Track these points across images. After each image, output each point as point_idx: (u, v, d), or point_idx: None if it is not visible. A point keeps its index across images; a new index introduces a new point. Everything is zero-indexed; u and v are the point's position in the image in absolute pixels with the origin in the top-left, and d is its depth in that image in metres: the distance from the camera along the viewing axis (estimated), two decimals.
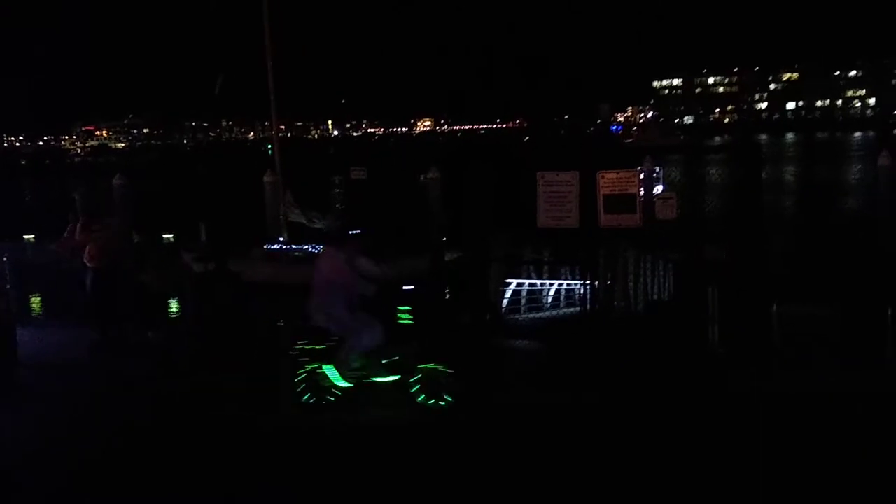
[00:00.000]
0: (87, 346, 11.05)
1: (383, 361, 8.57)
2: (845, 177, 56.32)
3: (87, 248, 11.08)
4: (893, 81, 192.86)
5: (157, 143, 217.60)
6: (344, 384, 8.56)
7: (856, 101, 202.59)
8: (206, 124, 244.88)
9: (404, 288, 9.21)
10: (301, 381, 8.59)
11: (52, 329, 12.26)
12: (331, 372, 8.52)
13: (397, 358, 8.56)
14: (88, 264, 11.12)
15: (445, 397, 8.43)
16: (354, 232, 9.23)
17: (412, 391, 8.51)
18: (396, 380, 8.60)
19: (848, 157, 78.42)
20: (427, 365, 8.48)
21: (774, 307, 10.09)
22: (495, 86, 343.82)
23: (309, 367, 8.59)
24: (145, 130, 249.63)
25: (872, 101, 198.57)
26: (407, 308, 8.81)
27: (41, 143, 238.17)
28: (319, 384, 8.59)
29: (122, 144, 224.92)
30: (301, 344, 8.65)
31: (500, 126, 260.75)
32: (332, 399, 8.62)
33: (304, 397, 8.57)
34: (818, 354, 9.54)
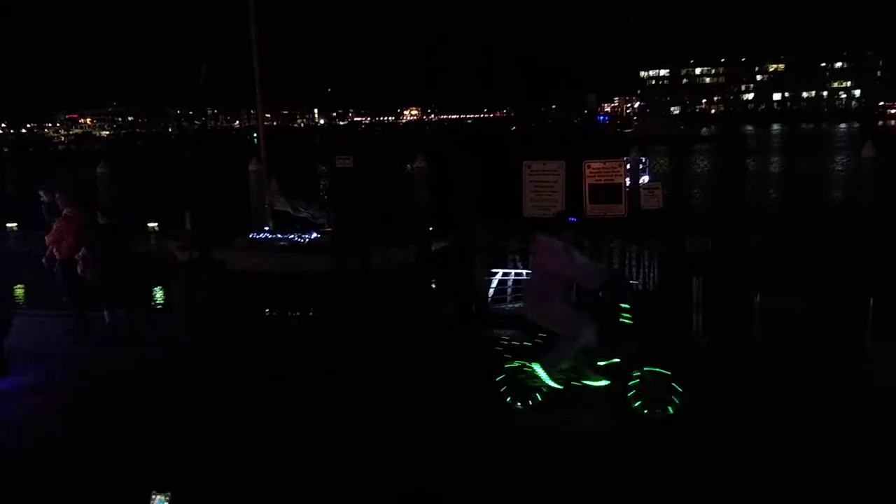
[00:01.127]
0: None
1: (599, 363, 7.86)
2: (830, 168, 56.66)
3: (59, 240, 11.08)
4: (878, 73, 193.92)
5: (141, 132, 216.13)
6: (553, 385, 7.86)
7: (841, 92, 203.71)
8: (190, 112, 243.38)
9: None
10: (503, 380, 7.99)
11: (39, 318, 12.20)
12: (540, 371, 7.85)
13: (617, 361, 7.83)
14: (57, 256, 11.14)
15: (668, 405, 7.67)
16: (572, 219, 8.24)
17: (628, 396, 7.76)
18: (609, 384, 7.85)
19: (833, 148, 78.82)
20: (647, 369, 7.74)
21: (757, 297, 10.16)
22: (482, 75, 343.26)
23: (513, 365, 7.97)
24: (130, 119, 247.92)
25: (857, 92, 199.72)
26: (627, 306, 7.91)
27: (24, 130, 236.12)
28: (524, 384, 7.93)
29: (107, 133, 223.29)
30: (505, 339, 8.07)
31: (487, 115, 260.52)
32: (537, 401, 7.94)
33: (508, 398, 7.96)
34: (799, 345, 9.60)
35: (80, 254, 10.92)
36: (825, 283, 10.17)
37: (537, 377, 7.84)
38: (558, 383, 7.82)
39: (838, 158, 63.11)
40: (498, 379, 7.94)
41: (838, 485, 6.40)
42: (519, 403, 7.92)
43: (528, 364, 7.87)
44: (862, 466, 6.67)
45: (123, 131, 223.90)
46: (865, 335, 9.59)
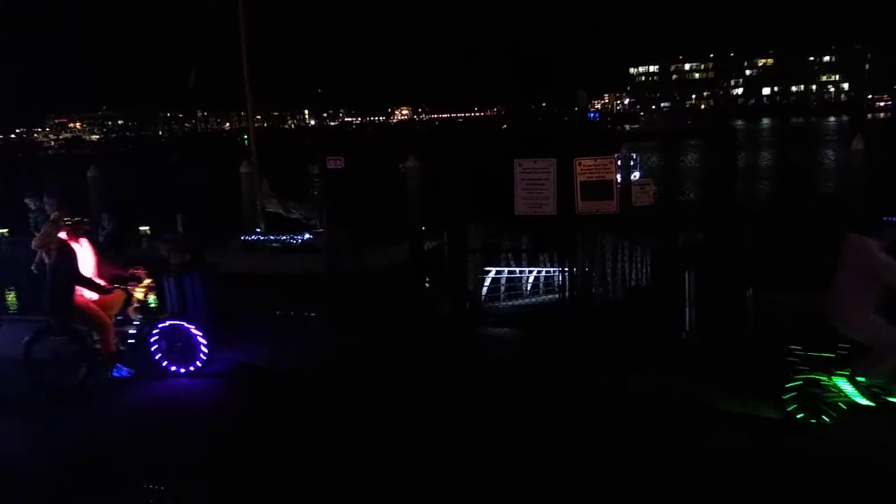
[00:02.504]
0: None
1: None
2: (820, 161, 56.92)
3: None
4: (866, 66, 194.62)
5: (131, 135, 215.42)
6: (862, 401, 7.01)
7: (830, 86, 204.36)
8: (180, 115, 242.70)
9: None
10: (793, 395, 7.26)
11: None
12: (845, 385, 7.06)
13: None
14: (47, 261, 11.09)
15: None
16: (892, 219, 7.32)
17: None
18: None
19: (823, 141, 79.13)
20: None
21: (749, 292, 10.19)
22: (472, 74, 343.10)
23: (806, 377, 7.23)
24: (119, 122, 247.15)
25: (846, 86, 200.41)
26: None
27: (13, 135, 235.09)
28: (820, 398, 7.19)
29: (97, 136, 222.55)
30: (798, 349, 7.34)
31: (478, 114, 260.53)
32: (834, 417, 7.15)
33: (799, 415, 7.25)
34: (790, 338, 9.61)
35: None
36: (817, 276, 10.21)
37: (840, 392, 7.11)
38: (868, 399, 7.00)
39: (828, 151, 63.39)
40: (786, 396, 7.26)
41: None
42: (812, 419, 7.21)
43: (825, 377, 7.17)
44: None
45: (113, 135, 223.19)
46: None
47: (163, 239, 19.38)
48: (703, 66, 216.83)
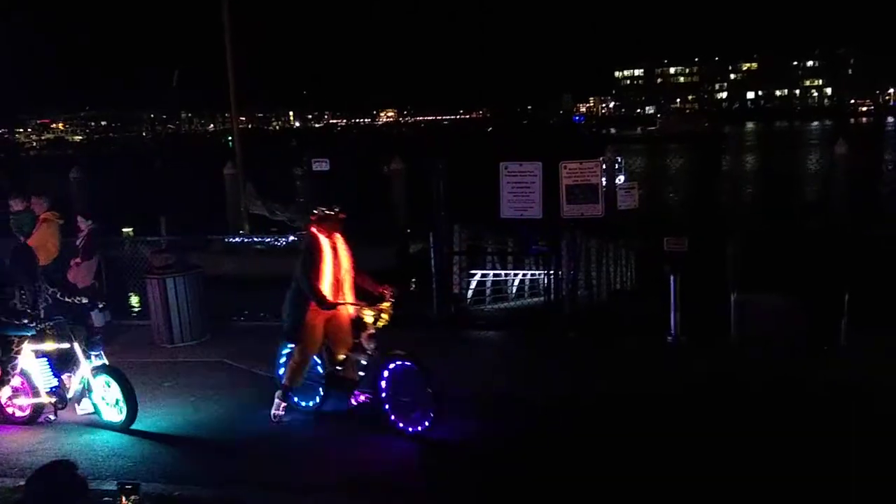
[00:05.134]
0: None
1: None
2: (805, 165, 57.27)
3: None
4: (849, 71, 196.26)
5: (114, 136, 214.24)
6: None
7: (813, 90, 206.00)
8: (164, 116, 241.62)
9: None
10: None
11: None
12: None
13: None
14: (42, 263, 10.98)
15: None
16: None
17: None
18: None
19: (807, 145, 79.67)
20: None
21: (733, 295, 10.23)
22: (458, 76, 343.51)
23: None
24: (103, 123, 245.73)
25: (829, 90, 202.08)
26: None
27: None
28: None
29: (80, 137, 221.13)
30: None
31: (463, 116, 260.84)
32: None
33: None
34: (775, 341, 9.68)
35: (75, 261, 11.05)
36: (801, 279, 10.28)
37: None
38: None
39: (812, 156, 63.83)
40: None
41: (803, 476, 6.43)
42: None
43: None
44: (829, 459, 6.72)
45: (96, 136, 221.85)
46: (840, 330, 9.70)
47: (146, 241, 19.27)
48: (687, 70, 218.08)
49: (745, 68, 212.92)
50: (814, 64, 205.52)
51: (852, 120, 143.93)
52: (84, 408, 8.18)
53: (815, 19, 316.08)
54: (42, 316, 8.09)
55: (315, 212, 7.67)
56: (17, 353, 8.07)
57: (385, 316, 7.45)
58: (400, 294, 7.67)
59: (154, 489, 6.52)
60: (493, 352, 10.68)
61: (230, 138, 28.70)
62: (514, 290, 16.28)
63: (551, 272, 11.49)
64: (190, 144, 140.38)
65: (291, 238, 19.40)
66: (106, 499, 4.08)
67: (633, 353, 10.08)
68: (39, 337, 8.06)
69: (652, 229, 15.80)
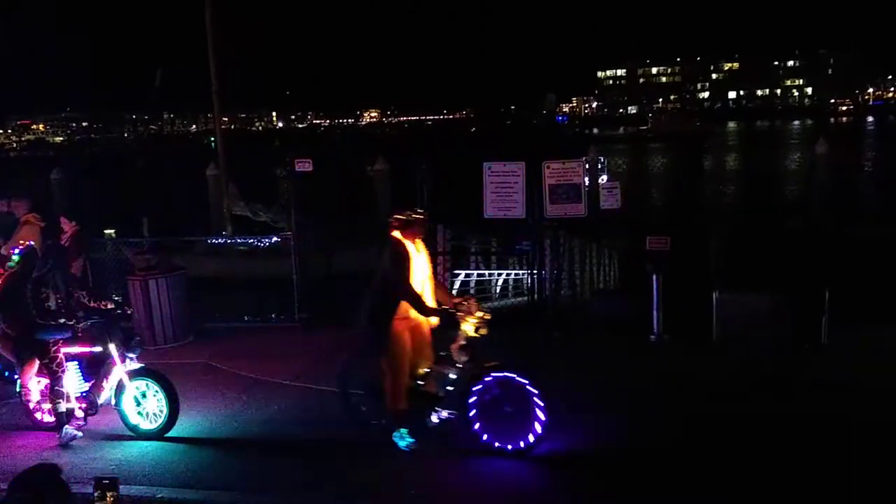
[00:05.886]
0: None
1: None
2: (786, 164, 57.70)
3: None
4: (829, 71, 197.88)
5: (95, 137, 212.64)
6: None
7: (794, 90, 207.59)
8: (146, 117, 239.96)
9: None
10: None
11: None
12: None
13: None
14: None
15: None
16: None
17: None
18: None
19: (788, 145, 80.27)
20: None
21: (716, 294, 10.31)
22: (442, 77, 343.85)
23: None
24: (84, 124, 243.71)
25: (809, 90, 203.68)
26: None
27: None
28: None
29: (60, 139, 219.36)
30: None
31: (447, 117, 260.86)
32: None
33: None
34: (757, 339, 9.75)
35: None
36: (782, 278, 10.36)
37: None
38: None
39: (793, 155, 64.32)
40: None
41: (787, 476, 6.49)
42: None
43: None
44: (811, 458, 6.77)
45: (77, 137, 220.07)
46: (822, 328, 9.79)
47: (128, 242, 19.16)
48: (669, 70, 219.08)
49: (726, 68, 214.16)
50: (794, 64, 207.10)
51: (832, 119, 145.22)
52: (116, 412, 7.85)
53: (796, 20, 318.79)
54: (79, 317, 7.82)
55: (398, 216, 7.07)
56: (56, 355, 7.74)
57: (482, 328, 6.88)
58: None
59: (143, 492, 6.50)
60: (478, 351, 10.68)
61: (213, 139, 28.59)
62: (498, 290, 16.32)
63: (535, 272, 11.53)
64: (172, 145, 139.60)
65: (275, 239, 19.35)
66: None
67: (616, 352, 10.13)
68: (71, 340, 7.80)
69: (635, 229, 15.89)
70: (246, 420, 8.21)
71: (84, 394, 7.86)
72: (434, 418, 7.05)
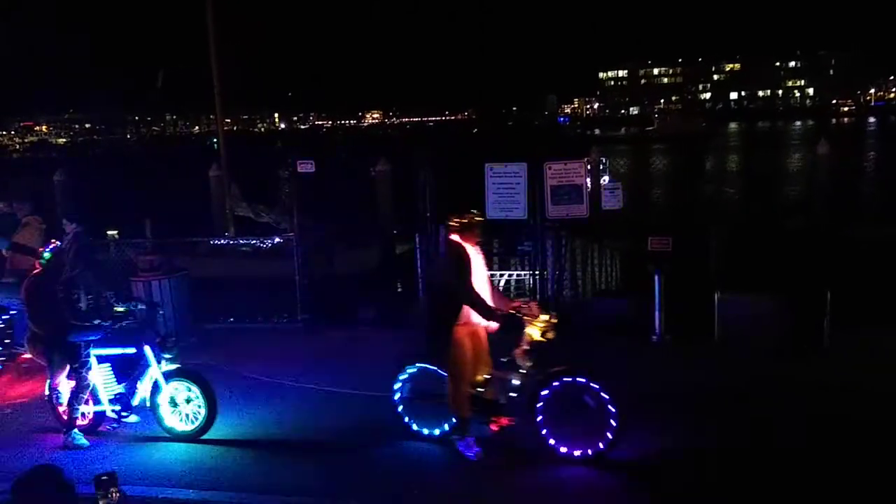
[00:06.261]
0: None
1: None
2: (787, 165, 57.62)
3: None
4: (831, 72, 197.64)
5: (98, 139, 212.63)
6: None
7: (795, 90, 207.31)
8: (149, 119, 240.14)
9: None
10: None
11: None
12: None
13: None
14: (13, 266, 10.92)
15: None
16: None
17: None
18: None
19: (789, 145, 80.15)
20: None
21: (717, 295, 10.31)
22: (444, 78, 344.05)
23: None
24: (87, 126, 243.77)
25: (811, 91, 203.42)
26: None
27: None
28: None
29: (63, 140, 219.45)
30: None
31: (449, 118, 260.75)
32: None
33: None
34: (758, 341, 9.76)
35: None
36: (783, 279, 10.36)
37: None
38: None
39: (795, 155, 64.23)
40: None
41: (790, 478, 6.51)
42: None
43: None
44: (813, 460, 6.79)
45: (80, 138, 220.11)
46: (823, 329, 9.79)
47: (131, 244, 19.18)
48: (671, 71, 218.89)
49: (728, 69, 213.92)
50: (796, 64, 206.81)
51: (834, 120, 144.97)
52: (152, 414, 7.75)
53: (797, 20, 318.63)
54: (113, 318, 7.72)
55: (457, 219, 6.95)
56: (86, 359, 7.63)
57: (549, 332, 6.71)
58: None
59: (172, 493, 6.52)
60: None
61: (215, 140, 28.59)
62: (500, 291, 16.33)
63: (536, 273, 11.54)
64: (175, 146, 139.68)
65: (277, 240, 19.36)
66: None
67: (618, 353, 10.14)
68: (103, 341, 7.70)
69: (636, 229, 15.88)
70: (261, 421, 8.22)
71: (117, 395, 7.76)
72: (494, 427, 6.89)
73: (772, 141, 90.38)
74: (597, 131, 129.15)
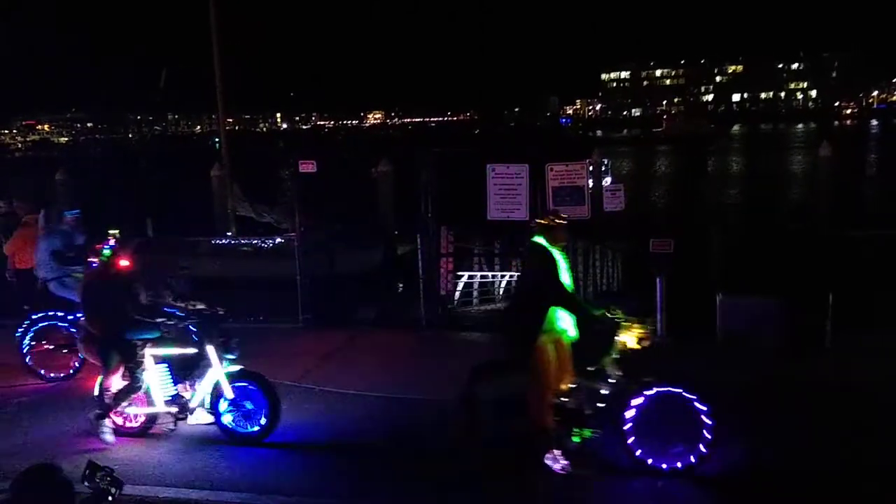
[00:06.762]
0: None
1: None
2: (789, 167, 57.62)
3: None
4: (833, 74, 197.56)
5: (100, 138, 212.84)
6: None
7: (798, 93, 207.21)
8: (151, 118, 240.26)
9: None
10: None
11: None
12: None
13: None
14: (19, 266, 10.91)
15: None
16: None
17: None
18: None
19: (792, 147, 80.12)
20: None
21: (719, 296, 10.31)
22: (446, 79, 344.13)
23: None
24: (89, 125, 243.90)
25: (814, 93, 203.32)
26: None
27: None
28: None
29: (65, 139, 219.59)
30: None
31: (450, 118, 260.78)
32: None
33: None
34: (760, 342, 9.75)
35: None
36: (785, 281, 10.36)
37: None
38: None
39: (797, 158, 64.21)
40: None
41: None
42: None
43: None
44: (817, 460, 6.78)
45: (82, 137, 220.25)
46: (825, 331, 9.79)
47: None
48: (673, 73, 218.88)
49: (730, 71, 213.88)
50: (799, 67, 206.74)
51: (836, 122, 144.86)
52: (208, 417, 7.49)
53: (800, 22, 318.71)
54: (174, 317, 7.51)
55: (540, 220, 6.71)
56: (143, 359, 7.42)
57: (645, 341, 6.46)
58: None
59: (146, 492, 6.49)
60: (481, 354, 10.68)
61: (217, 140, 28.62)
62: (502, 292, 16.33)
63: None
64: (177, 145, 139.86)
65: (278, 240, 19.36)
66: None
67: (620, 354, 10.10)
68: (160, 340, 7.51)
69: (638, 231, 15.89)
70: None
71: (173, 397, 7.53)
72: (575, 437, 6.59)
73: (774, 143, 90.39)
74: (598, 133, 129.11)
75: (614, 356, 6.45)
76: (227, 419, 7.46)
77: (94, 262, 7.65)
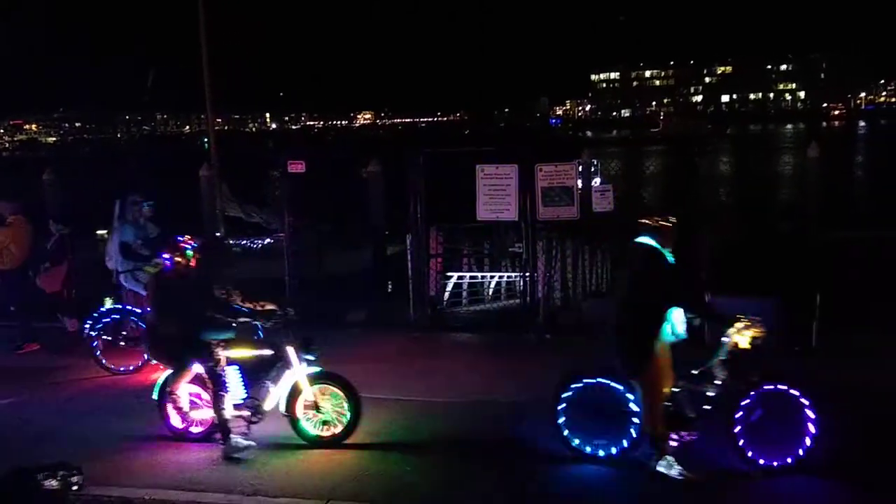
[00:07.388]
0: None
1: None
2: (777, 168, 57.96)
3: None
4: (822, 75, 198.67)
5: (88, 138, 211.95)
6: None
7: (787, 94, 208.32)
8: (139, 118, 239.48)
9: None
10: None
11: None
12: None
13: None
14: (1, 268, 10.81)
15: None
16: None
17: None
18: None
19: (780, 149, 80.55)
20: None
21: (707, 297, 10.31)
22: (436, 79, 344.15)
23: None
24: (77, 125, 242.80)
25: (802, 94, 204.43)
26: None
27: None
28: None
29: (53, 139, 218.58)
30: None
31: (440, 119, 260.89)
32: None
33: None
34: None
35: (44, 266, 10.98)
36: (773, 282, 10.37)
37: None
38: None
39: (785, 159, 64.56)
40: None
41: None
42: None
43: None
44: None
45: (70, 137, 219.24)
46: (812, 331, 9.83)
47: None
48: (663, 74, 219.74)
49: (719, 72, 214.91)
50: (787, 68, 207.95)
51: (825, 124, 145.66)
52: (286, 419, 7.22)
53: (789, 24, 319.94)
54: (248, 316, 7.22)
55: (645, 221, 6.50)
56: (219, 357, 7.08)
57: (760, 339, 6.28)
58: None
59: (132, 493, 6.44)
60: (473, 355, 10.68)
61: (206, 140, 28.53)
62: (491, 293, 16.32)
63: (527, 274, 11.53)
64: (166, 145, 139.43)
65: (267, 240, 19.32)
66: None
67: (606, 355, 10.12)
68: (233, 341, 7.21)
69: (627, 231, 15.91)
70: None
71: (245, 400, 7.20)
72: (673, 442, 6.48)
73: (763, 144, 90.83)
74: (588, 133, 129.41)
75: (722, 357, 6.38)
76: (303, 422, 7.18)
77: (167, 258, 7.35)
